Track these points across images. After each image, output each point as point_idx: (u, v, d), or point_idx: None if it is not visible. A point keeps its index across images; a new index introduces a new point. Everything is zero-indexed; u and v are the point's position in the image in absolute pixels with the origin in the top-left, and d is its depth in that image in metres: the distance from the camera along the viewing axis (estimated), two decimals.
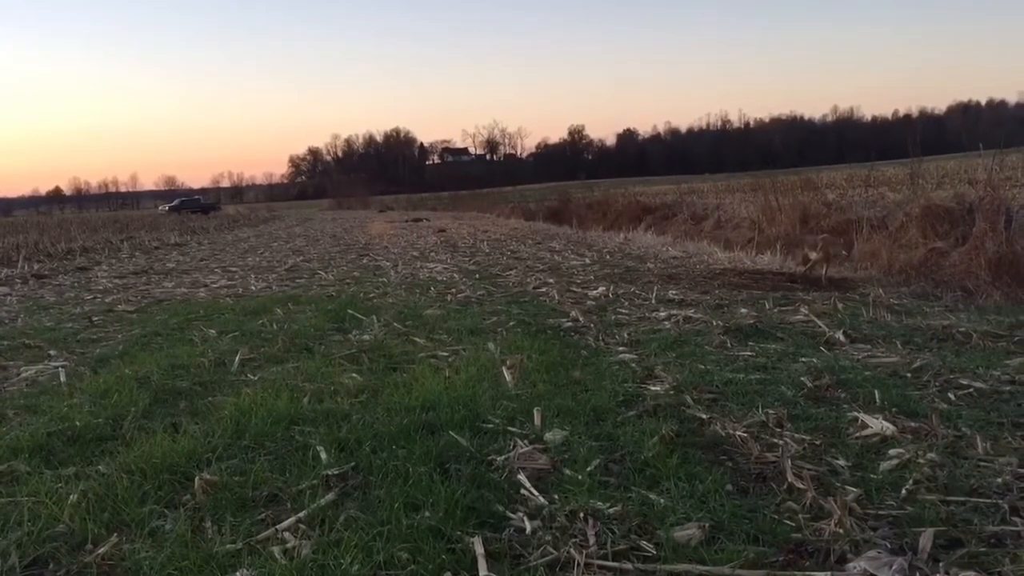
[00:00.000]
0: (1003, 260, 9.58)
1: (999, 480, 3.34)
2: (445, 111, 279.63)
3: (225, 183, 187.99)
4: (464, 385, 4.97)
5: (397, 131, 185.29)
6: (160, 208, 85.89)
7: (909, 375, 5.12)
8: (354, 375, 5.50)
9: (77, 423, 4.29)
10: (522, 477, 3.46)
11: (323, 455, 3.71)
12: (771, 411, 4.31)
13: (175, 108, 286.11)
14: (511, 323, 7.48)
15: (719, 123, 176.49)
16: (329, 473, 3.47)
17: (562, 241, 19.05)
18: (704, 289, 9.55)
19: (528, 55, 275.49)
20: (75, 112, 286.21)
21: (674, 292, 9.18)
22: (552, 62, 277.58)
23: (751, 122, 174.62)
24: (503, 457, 3.70)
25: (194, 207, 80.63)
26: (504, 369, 5.38)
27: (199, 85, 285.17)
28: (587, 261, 13.41)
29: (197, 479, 3.38)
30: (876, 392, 4.57)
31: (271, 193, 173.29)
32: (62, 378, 5.60)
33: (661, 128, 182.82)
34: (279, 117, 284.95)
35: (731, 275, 11.04)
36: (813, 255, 10.99)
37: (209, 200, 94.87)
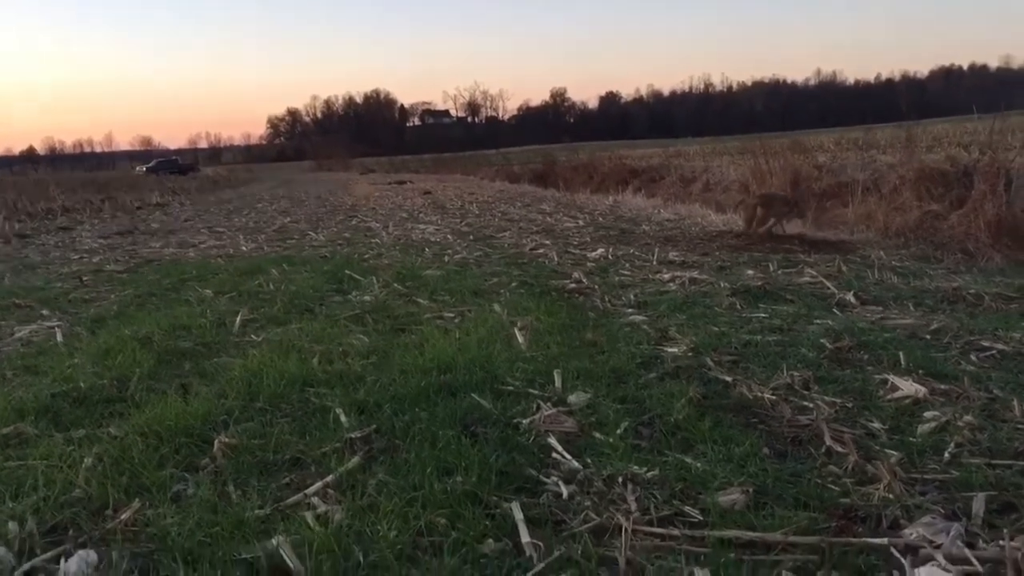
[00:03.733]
0: (1003, 222, 9.53)
1: None
2: (425, 73, 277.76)
3: (203, 144, 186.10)
4: (477, 346, 4.84)
5: (377, 92, 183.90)
6: (138, 169, 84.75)
7: (928, 337, 5.04)
8: (361, 336, 5.36)
9: (81, 384, 4.14)
10: (552, 440, 3.34)
11: (343, 418, 3.59)
12: (796, 373, 4.21)
13: (150, 67, 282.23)
14: (513, 284, 7.36)
15: (702, 86, 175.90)
16: (352, 436, 3.34)
17: (551, 203, 18.88)
18: (704, 251, 9.45)
19: (509, 16, 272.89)
20: (48, 70, 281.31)
21: (674, 254, 9.07)
22: (534, 23, 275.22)
23: (734, 85, 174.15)
24: (528, 420, 3.59)
25: (172, 168, 79.65)
26: (516, 330, 5.26)
27: (175, 44, 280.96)
28: (580, 223, 13.27)
29: (216, 442, 3.25)
30: (901, 354, 4.49)
31: (249, 154, 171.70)
32: (59, 338, 5.43)
33: (644, 91, 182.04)
34: (257, 77, 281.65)
35: (729, 237, 10.96)
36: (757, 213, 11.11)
37: (187, 161, 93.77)
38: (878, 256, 8.67)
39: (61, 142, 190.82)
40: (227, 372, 4.39)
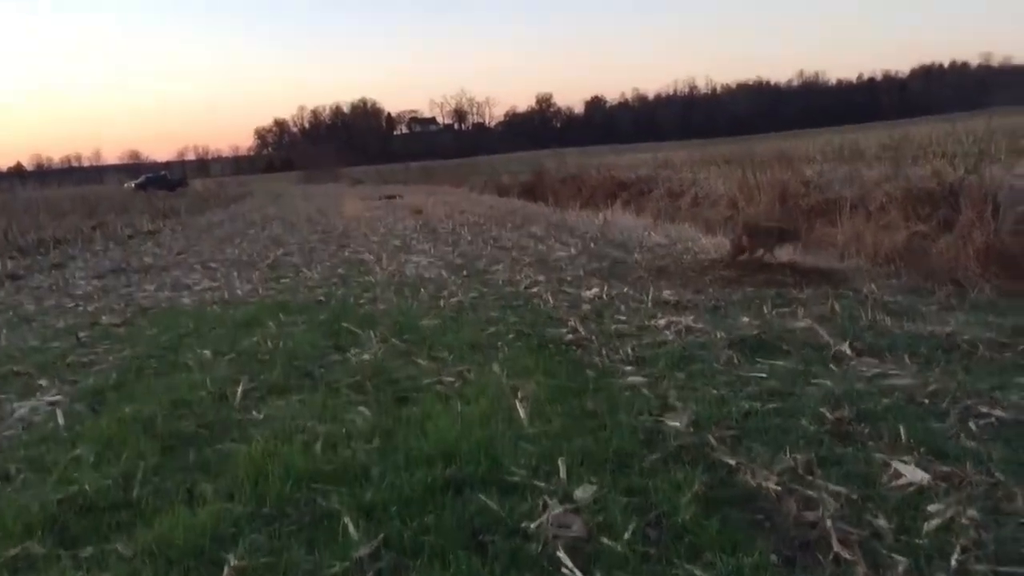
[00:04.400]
0: (991, 250, 9.59)
1: None
2: (411, 80, 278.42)
3: (191, 156, 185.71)
4: (479, 423, 4.88)
5: (364, 101, 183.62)
6: (126, 185, 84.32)
7: (927, 401, 5.07)
8: (362, 409, 5.38)
9: (87, 487, 4.13)
10: (561, 554, 3.34)
11: (351, 528, 3.58)
12: (799, 455, 4.24)
13: (137, 81, 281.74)
14: (510, 335, 7.38)
15: (686, 89, 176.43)
16: (361, 555, 3.35)
17: (542, 224, 18.92)
18: (697, 287, 9.51)
19: (493, 22, 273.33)
20: (34, 85, 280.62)
21: (668, 293, 9.10)
22: (518, 30, 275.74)
23: (718, 88, 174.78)
24: (536, 523, 3.60)
25: (161, 184, 79.28)
26: (516, 402, 5.28)
27: (161, 57, 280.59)
28: (572, 252, 13.31)
29: (226, 568, 3.25)
30: (901, 428, 4.52)
31: (238, 166, 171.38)
32: (60, 420, 5.40)
33: (629, 95, 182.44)
34: (243, 89, 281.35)
35: (720, 267, 11.04)
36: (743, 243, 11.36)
37: (175, 176, 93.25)
38: (870, 290, 8.74)
39: (49, 158, 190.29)
40: (232, 466, 4.39)
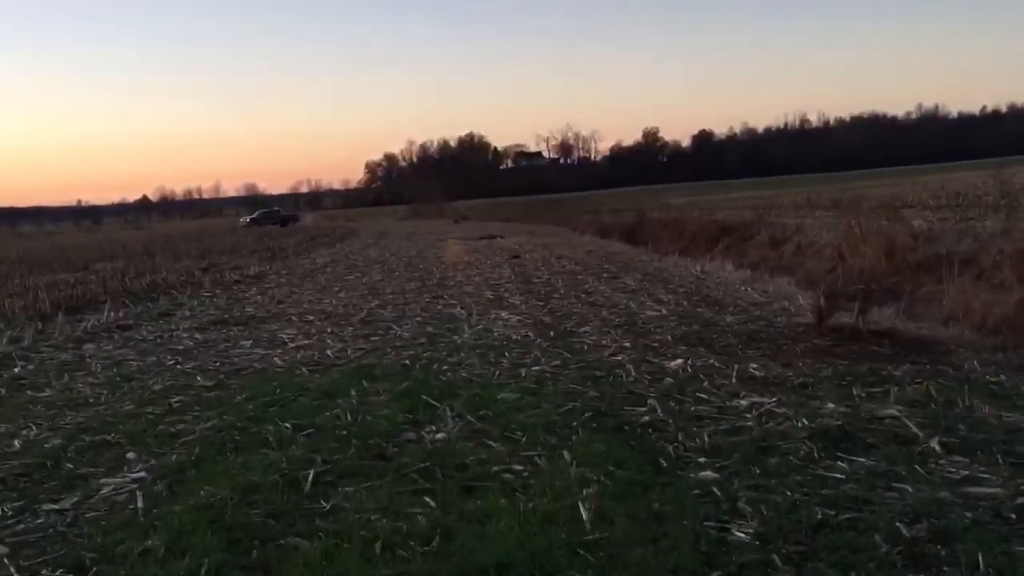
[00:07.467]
0: None
1: None
2: (518, 114, 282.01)
3: (304, 189, 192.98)
4: (540, 526, 4.85)
5: (471, 136, 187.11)
6: (241, 220, 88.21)
7: (1013, 516, 4.80)
8: (427, 500, 5.40)
9: None
10: None
11: None
12: None
13: (253, 116, 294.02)
14: (587, 414, 7.30)
15: (797, 123, 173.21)
16: None
17: (637, 275, 18.78)
18: (786, 359, 9.24)
19: (600, 55, 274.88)
20: (160, 120, 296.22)
21: (755, 366, 8.87)
22: (625, 62, 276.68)
23: (831, 121, 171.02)
24: None
25: (273, 219, 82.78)
26: (580, 503, 5.22)
27: (276, 94, 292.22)
28: (663, 311, 13.13)
29: None
30: (979, 555, 4.28)
31: (348, 199, 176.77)
32: (139, 503, 5.59)
33: (737, 129, 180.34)
34: (354, 123, 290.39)
35: (813, 334, 10.71)
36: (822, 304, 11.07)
37: (288, 212, 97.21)
38: (971, 368, 8.36)
39: (172, 191, 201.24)
40: (290, 568, 4.46)
